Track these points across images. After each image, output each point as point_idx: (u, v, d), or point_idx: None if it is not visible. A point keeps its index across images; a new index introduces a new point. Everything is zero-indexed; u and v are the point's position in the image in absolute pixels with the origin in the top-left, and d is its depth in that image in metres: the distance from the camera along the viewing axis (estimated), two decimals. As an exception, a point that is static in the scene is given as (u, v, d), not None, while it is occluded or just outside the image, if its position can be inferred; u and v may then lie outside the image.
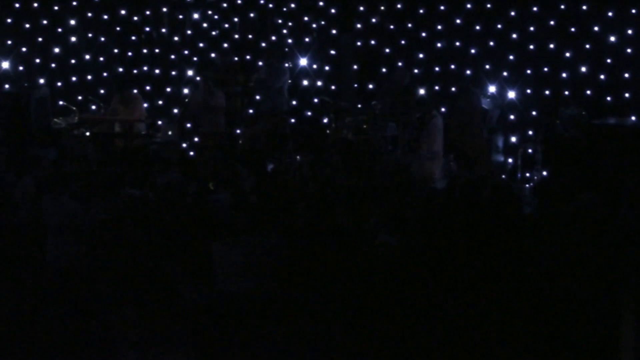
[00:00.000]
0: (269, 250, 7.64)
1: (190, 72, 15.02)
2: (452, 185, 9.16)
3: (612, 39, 13.12)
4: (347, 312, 6.95)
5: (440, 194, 8.61)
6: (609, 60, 13.26)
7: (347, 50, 15.04)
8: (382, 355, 6.80)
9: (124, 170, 9.64)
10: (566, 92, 13.39)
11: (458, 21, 14.31)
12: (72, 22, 14.92)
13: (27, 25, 14.83)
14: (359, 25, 15.03)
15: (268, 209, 8.47)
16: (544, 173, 11.92)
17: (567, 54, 13.47)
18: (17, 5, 14.82)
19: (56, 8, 14.93)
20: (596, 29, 13.24)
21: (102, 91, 14.35)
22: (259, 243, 7.60)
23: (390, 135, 13.04)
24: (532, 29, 13.71)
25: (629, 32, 13.05)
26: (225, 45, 15.02)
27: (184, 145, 14.07)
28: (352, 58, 15.06)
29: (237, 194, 8.97)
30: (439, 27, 14.49)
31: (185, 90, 14.67)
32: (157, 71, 15.26)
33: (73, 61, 15.01)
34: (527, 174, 12.45)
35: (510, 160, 13.52)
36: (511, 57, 13.85)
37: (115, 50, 15.18)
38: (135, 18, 15.23)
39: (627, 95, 13.15)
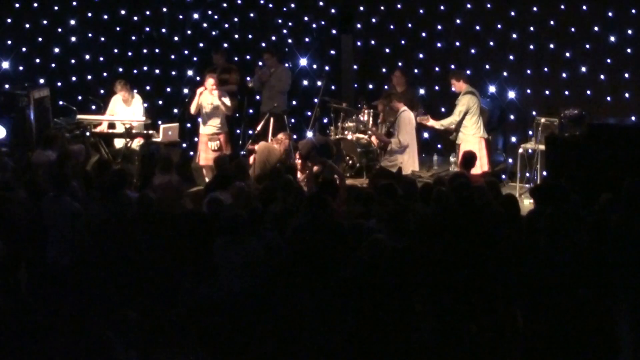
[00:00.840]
0: (269, 250, 7.64)
1: (190, 72, 15.04)
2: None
3: (612, 39, 13.11)
4: (347, 312, 6.94)
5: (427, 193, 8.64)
6: (609, 60, 13.24)
7: (347, 50, 15.04)
8: (382, 356, 6.80)
9: (124, 170, 9.61)
10: (566, 92, 13.40)
11: (458, 21, 14.32)
12: (72, 22, 14.91)
13: (27, 25, 14.83)
14: (359, 25, 15.04)
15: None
16: (544, 173, 11.91)
17: (567, 54, 13.46)
18: (17, 5, 14.81)
19: (56, 8, 14.92)
20: (596, 29, 13.22)
21: (102, 91, 14.33)
22: (259, 243, 7.60)
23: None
24: (532, 29, 13.69)
25: (629, 32, 13.02)
26: (225, 45, 15.03)
27: (184, 145, 14.08)
28: (352, 58, 15.07)
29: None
30: (439, 27, 14.50)
31: (185, 90, 14.67)
32: (157, 71, 15.27)
33: (73, 61, 15.02)
34: (527, 174, 12.45)
35: (510, 160, 13.51)
36: (511, 57, 13.85)
37: (115, 50, 15.18)
38: (135, 18, 15.24)
39: (627, 95, 13.14)
